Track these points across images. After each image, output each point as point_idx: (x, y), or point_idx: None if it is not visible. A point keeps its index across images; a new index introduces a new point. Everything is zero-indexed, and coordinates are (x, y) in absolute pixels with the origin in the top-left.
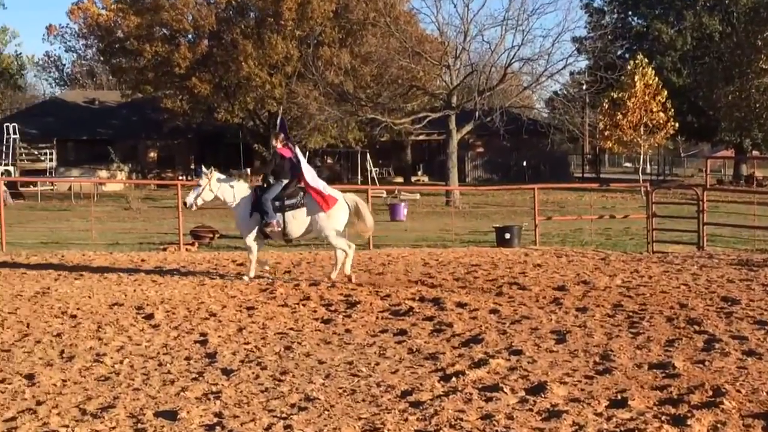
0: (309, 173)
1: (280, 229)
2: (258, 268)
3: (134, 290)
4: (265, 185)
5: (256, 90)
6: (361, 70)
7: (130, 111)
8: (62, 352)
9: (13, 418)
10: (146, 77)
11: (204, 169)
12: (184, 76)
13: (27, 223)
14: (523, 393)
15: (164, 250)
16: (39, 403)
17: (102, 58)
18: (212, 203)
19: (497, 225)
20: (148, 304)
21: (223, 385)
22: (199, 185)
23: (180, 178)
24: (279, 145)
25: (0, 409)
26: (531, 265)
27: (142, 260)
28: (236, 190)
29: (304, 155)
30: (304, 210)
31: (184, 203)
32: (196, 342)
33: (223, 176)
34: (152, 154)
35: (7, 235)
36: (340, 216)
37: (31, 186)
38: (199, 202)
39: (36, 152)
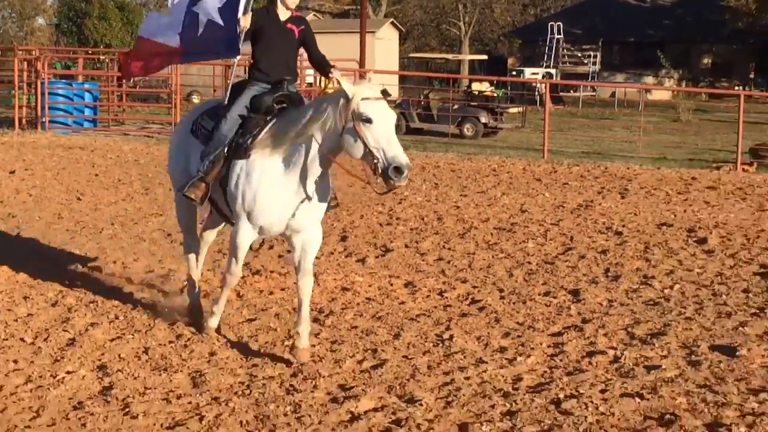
0: None
1: None
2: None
3: (684, 210)
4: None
5: None
6: None
7: (685, 10)
8: (607, 270)
9: (559, 333)
10: None
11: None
12: None
13: (567, 131)
14: None
15: (717, 168)
16: (585, 321)
17: None
18: None
19: None
20: (700, 227)
21: None
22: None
23: (736, 88)
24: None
25: (546, 323)
26: None
27: (693, 178)
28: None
29: None
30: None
31: None
32: (755, 274)
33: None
34: (706, 60)
35: (549, 142)
36: None
37: (572, 91)
38: None
39: (579, 54)
